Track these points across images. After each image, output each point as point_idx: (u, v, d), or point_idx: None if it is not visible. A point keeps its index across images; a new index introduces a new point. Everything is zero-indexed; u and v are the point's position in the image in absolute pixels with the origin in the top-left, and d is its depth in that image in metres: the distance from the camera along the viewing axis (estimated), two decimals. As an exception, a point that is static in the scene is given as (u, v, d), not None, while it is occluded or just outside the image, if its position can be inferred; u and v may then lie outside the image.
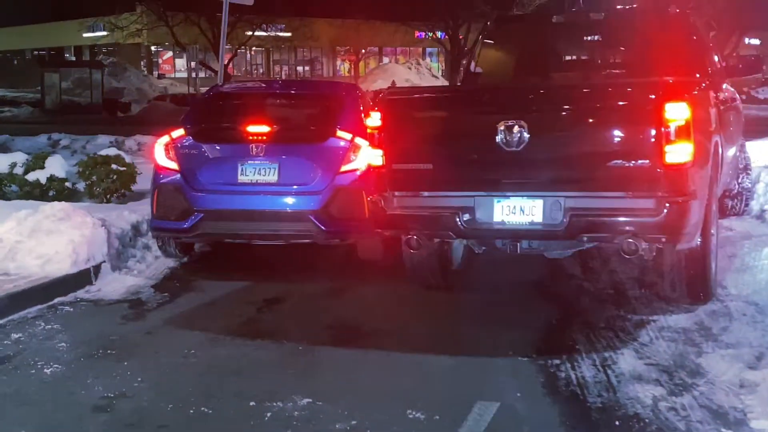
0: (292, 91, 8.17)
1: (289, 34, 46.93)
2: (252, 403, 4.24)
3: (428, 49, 60.45)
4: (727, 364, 4.56)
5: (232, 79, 28.92)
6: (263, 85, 9.56)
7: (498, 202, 5.31)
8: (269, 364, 4.89)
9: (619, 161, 5.03)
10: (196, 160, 6.87)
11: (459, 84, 13.12)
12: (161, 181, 6.94)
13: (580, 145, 5.22)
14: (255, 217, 6.68)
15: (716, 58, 7.50)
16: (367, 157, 6.04)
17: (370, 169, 5.80)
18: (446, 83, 42.22)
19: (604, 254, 6.89)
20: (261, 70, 58.52)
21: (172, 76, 53.75)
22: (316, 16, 48.05)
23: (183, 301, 6.34)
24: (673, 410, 4.03)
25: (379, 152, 5.56)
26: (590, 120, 5.26)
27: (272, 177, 6.70)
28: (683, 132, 4.90)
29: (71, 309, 6.09)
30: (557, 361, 4.75)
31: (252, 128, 6.79)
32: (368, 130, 5.72)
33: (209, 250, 7.87)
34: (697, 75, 6.52)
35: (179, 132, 6.96)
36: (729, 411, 3.99)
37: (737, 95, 8.16)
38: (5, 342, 5.30)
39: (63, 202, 7.47)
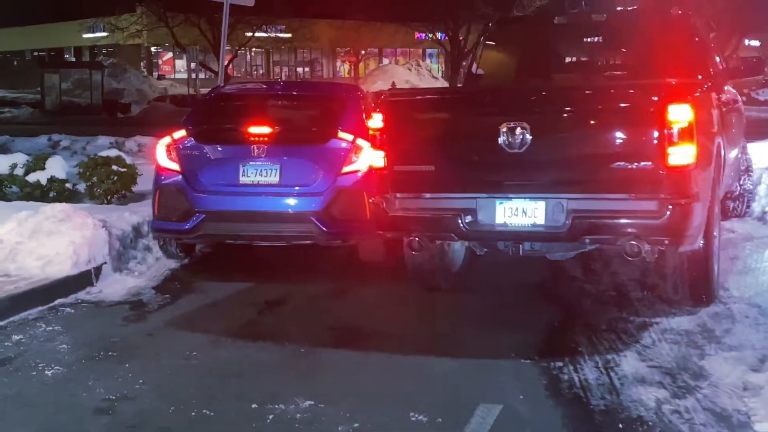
0: (294, 93, 8.16)
1: (289, 35, 46.93)
2: (254, 405, 4.23)
3: (428, 51, 60.53)
4: (730, 367, 4.55)
5: (231, 80, 28.91)
6: (265, 86, 9.53)
7: (500, 203, 5.29)
8: (271, 366, 4.88)
9: (622, 163, 5.02)
10: (198, 161, 6.86)
11: (461, 85, 13.11)
12: (163, 182, 6.93)
13: (582, 147, 5.21)
14: (256, 218, 6.67)
15: (718, 60, 7.49)
16: (369, 158, 6.03)
17: (372, 170, 5.79)
18: (446, 84, 42.23)
19: (606, 256, 6.89)
20: (261, 71, 58.55)
21: (172, 77, 53.80)
22: (316, 17, 48.04)
23: (184, 302, 6.33)
24: (677, 413, 4.03)
25: (381, 154, 5.55)
26: (593, 122, 5.25)
27: (274, 178, 6.70)
28: (686, 134, 4.89)
29: (72, 310, 6.07)
30: (560, 364, 4.74)
31: (253, 129, 6.79)
32: (370, 132, 5.72)
33: (210, 251, 7.86)
34: (700, 77, 6.52)
35: (181, 133, 6.95)
36: (732, 414, 3.98)
37: (739, 97, 8.15)
38: (6, 344, 5.29)
39: (63, 204, 7.47)
